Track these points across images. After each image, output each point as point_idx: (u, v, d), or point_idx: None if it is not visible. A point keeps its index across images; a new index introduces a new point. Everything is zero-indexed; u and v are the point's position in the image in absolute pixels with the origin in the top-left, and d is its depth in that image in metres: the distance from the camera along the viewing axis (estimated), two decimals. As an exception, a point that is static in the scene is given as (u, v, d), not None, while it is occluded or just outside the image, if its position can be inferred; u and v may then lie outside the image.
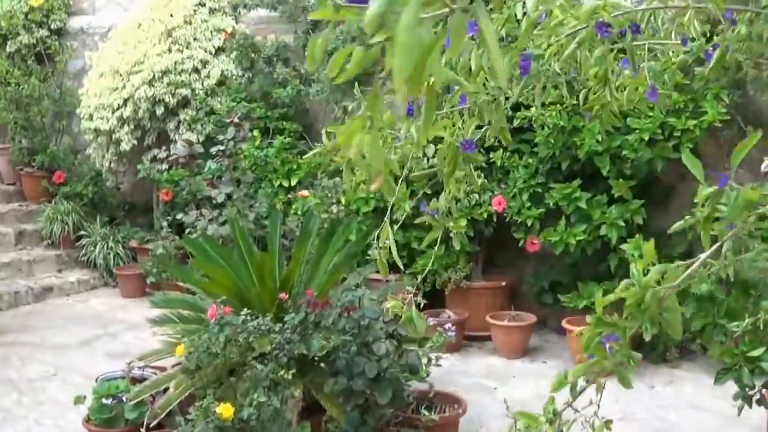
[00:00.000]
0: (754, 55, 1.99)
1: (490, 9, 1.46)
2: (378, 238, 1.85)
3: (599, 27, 1.58)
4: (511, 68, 1.63)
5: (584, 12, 1.58)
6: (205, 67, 8.21)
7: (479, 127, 1.79)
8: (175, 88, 7.95)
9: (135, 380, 4.25)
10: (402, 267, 4.55)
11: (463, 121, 1.73)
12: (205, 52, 8.26)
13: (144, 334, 6.66)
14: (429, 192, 2.76)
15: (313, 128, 8.25)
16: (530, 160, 6.19)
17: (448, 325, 4.22)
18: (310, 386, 3.72)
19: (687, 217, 1.57)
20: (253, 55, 8.31)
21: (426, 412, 3.78)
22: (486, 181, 6.49)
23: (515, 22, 1.70)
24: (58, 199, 8.76)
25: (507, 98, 1.75)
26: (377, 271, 2.00)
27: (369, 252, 5.36)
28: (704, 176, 1.54)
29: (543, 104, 5.70)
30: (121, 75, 8.09)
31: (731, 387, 3.87)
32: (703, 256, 1.55)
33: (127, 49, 8.24)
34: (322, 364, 3.71)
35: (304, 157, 7.13)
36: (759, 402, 3.59)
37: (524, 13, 1.63)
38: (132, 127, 8.01)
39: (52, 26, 9.55)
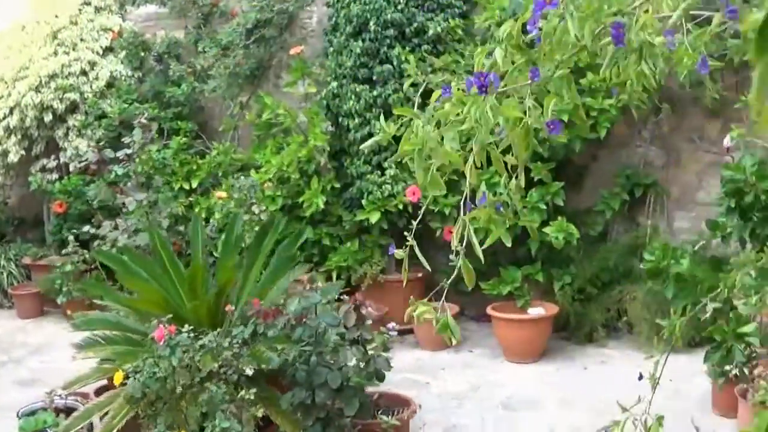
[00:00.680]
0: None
1: None
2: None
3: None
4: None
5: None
6: (93, 69, 7.80)
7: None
8: (63, 93, 7.50)
9: (59, 410, 3.96)
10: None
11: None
12: (93, 53, 7.84)
13: (49, 358, 6.25)
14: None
15: (208, 126, 8.00)
16: (445, 147, 6.12)
17: (391, 325, 4.07)
18: (260, 402, 3.49)
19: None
20: (142, 53, 8.00)
21: (384, 417, 3.62)
22: (398, 171, 6.37)
23: None
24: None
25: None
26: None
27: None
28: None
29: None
30: (5, 82, 7.58)
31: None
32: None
33: (12, 54, 7.73)
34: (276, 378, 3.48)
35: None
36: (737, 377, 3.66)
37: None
38: (19, 137, 7.49)
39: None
